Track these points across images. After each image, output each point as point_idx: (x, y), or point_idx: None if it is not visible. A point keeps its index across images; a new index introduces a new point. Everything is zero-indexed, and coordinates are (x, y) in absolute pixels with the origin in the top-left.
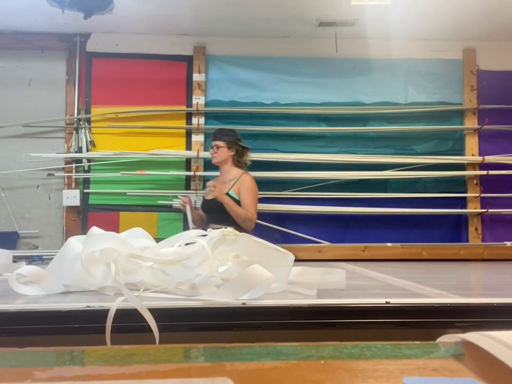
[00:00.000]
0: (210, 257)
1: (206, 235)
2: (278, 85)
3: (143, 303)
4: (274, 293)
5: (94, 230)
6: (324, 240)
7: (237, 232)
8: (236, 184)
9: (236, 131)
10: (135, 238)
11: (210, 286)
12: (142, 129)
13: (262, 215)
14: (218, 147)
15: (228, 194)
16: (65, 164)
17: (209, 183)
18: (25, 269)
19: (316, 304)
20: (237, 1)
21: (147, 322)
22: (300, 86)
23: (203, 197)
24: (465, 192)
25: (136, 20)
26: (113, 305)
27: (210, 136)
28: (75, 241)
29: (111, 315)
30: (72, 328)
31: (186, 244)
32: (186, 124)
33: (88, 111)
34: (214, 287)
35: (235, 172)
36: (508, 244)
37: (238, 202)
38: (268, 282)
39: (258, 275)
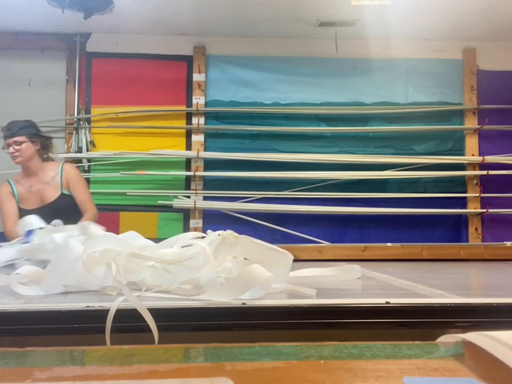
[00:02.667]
0: (211, 260)
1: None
2: (278, 85)
3: (143, 303)
4: (274, 292)
5: (94, 230)
6: (324, 240)
7: (236, 234)
8: (63, 177)
9: (33, 121)
10: (134, 239)
11: (215, 284)
12: (142, 129)
13: (262, 215)
14: (19, 143)
15: (62, 194)
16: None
17: None
18: (24, 269)
19: (316, 304)
20: (237, 1)
21: (147, 322)
22: (300, 86)
23: (19, 206)
24: (465, 192)
25: (136, 20)
26: (113, 305)
27: (4, 133)
28: (75, 242)
29: (111, 315)
30: (72, 328)
31: (183, 246)
32: (186, 124)
33: (88, 111)
34: (219, 285)
35: (51, 166)
36: (508, 244)
37: (71, 198)
38: (268, 281)
39: (257, 274)
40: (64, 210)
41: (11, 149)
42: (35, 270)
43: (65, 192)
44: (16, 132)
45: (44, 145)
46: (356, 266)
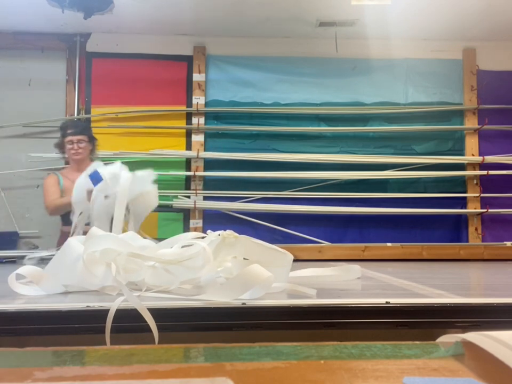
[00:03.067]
0: (211, 259)
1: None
2: (278, 85)
3: (143, 303)
4: (274, 292)
5: (94, 230)
6: (324, 240)
7: (236, 234)
8: None
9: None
10: (134, 239)
11: (215, 284)
12: (142, 129)
13: (262, 215)
14: (82, 142)
15: None
16: (65, 164)
17: None
18: (24, 269)
19: (316, 304)
20: (237, 1)
21: (147, 322)
22: (300, 86)
23: (62, 196)
24: (465, 192)
25: (136, 20)
26: (113, 305)
27: (66, 130)
28: (75, 242)
29: (110, 315)
30: (72, 328)
31: (183, 246)
32: (186, 124)
33: (88, 111)
34: (219, 285)
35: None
36: (508, 244)
37: None
38: (268, 281)
39: (257, 274)
40: None
41: (75, 146)
42: (35, 270)
43: None
44: (81, 131)
45: (94, 146)
46: (355, 266)
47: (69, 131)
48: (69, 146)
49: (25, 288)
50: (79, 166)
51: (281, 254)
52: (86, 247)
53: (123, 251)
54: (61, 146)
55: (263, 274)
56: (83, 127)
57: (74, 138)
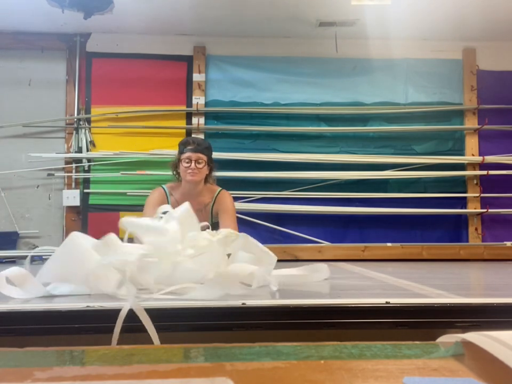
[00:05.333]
0: (206, 259)
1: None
2: (278, 85)
3: (143, 303)
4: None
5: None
6: (324, 240)
7: (237, 233)
8: (214, 206)
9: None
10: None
11: (198, 284)
12: (142, 129)
13: (262, 215)
14: (201, 162)
15: (212, 223)
16: (65, 164)
17: None
18: (10, 270)
19: (316, 304)
20: (237, 1)
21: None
22: (300, 86)
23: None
24: (465, 192)
25: (136, 20)
26: (123, 309)
27: (185, 146)
28: (79, 239)
29: (122, 315)
30: (72, 328)
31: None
32: (186, 124)
33: (88, 111)
34: (200, 284)
35: (208, 191)
36: (508, 243)
37: (217, 227)
38: (251, 277)
39: (239, 271)
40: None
41: (192, 164)
42: (19, 271)
43: (214, 221)
44: (202, 150)
45: (211, 171)
46: (323, 266)
47: (188, 147)
48: (185, 164)
49: (14, 290)
50: (187, 190)
51: (266, 254)
52: (103, 256)
53: (133, 259)
54: (175, 166)
55: (245, 270)
56: (205, 146)
57: (193, 155)
